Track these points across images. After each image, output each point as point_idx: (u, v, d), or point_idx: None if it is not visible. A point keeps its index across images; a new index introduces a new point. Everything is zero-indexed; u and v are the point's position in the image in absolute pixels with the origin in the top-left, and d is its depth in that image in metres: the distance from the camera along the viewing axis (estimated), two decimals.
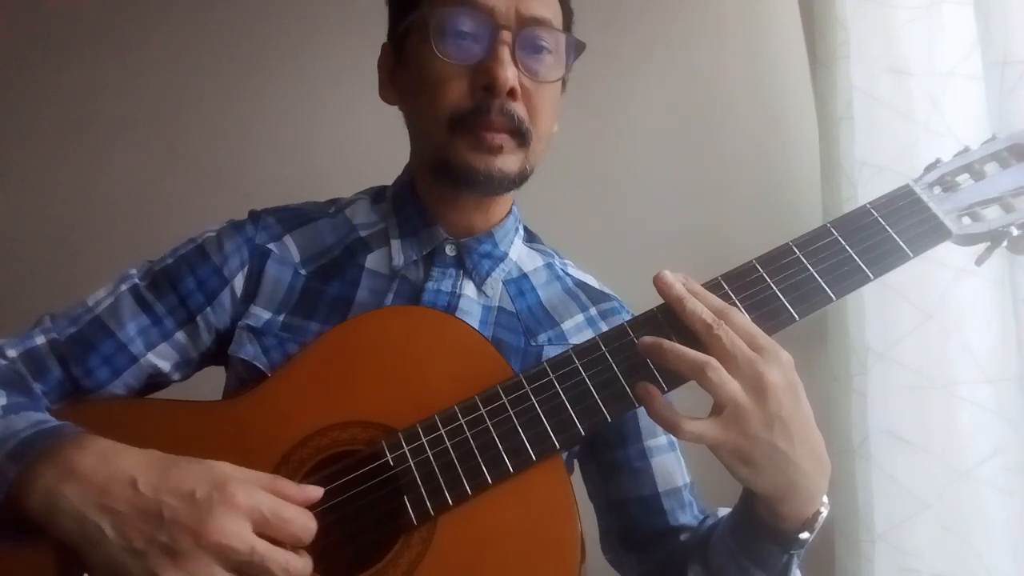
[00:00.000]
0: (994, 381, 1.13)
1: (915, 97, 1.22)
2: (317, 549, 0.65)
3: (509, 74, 0.76)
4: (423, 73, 0.79)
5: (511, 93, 0.77)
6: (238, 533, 0.59)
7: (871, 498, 1.21)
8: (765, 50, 1.56)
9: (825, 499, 0.69)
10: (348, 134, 1.59)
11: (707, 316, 0.66)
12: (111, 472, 0.60)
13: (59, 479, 0.60)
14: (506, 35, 0.77)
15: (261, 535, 0.60)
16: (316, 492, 0.65)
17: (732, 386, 0.63)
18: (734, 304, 0.70)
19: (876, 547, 1.19)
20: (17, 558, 0.64)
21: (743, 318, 0.67)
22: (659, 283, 0.69)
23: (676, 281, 0.69)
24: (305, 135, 1.61)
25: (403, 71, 0.85)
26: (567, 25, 0.86)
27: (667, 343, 0.67)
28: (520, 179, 0.82)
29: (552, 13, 0.81)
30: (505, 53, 0.77)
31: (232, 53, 1.62)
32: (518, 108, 0.78)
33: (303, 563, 0.62)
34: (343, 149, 1.59)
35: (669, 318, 0.70)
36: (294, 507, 0.62)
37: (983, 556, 1.12)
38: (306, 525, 0.62)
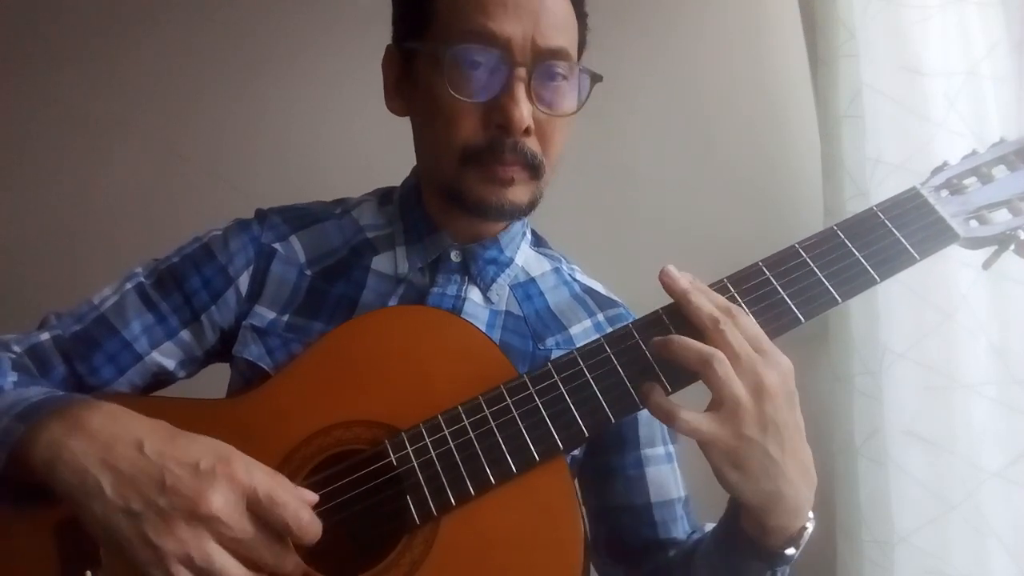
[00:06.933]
0: (1022, 382, 1.13)
1: (930, 96, 1.21)
2: (318, 548, 0.64)
3: (525, 114, 0.74)
4: (434, 104, 0.77)
5: (525, 131, 0.75)
6: (233, 512, 0.58)
7: (887, 499, 1.20)
8: (766, 49, 1.55)
9: (811, 515, 0.69)
10: (351, 135, 1.58)
11: (714, 311, 0.66)
12: (118, 431, 0.60)
13: (65, 432, 0.60)
14: (521, 71, 0.74)
15: (254, 514, 0.60)
16: (311, 496, 0.64)
17: (735, 383, 0.63)
18: (740, 306, 0.70)
19: (897, 549, 1.18)
20: (19, 554, 0.64)
21: (748, 319, 0.67)
22: (664, 277, 0.69)
23: (682, 276, 0.69)
24: (308, 135, 1.61)
25: (411, 88, 0.82)
26: (581, 44, 0.83)
27: (676, 336, 0.66)
28: (530, 208, 0.81)
29: (568, 40, 0.78)
30: (520, 91, 0.74)
31: (235, 53, 1.61)
32: (531, 143, 0.77)
33: (294, 560, 0.62)
34: (346, 150, 1.58)
35: (674, 319, 0.70)
36: (291, 494, 0.61)
37: (1016, 557, 1.12)
38: (297, 513, 0.61)
